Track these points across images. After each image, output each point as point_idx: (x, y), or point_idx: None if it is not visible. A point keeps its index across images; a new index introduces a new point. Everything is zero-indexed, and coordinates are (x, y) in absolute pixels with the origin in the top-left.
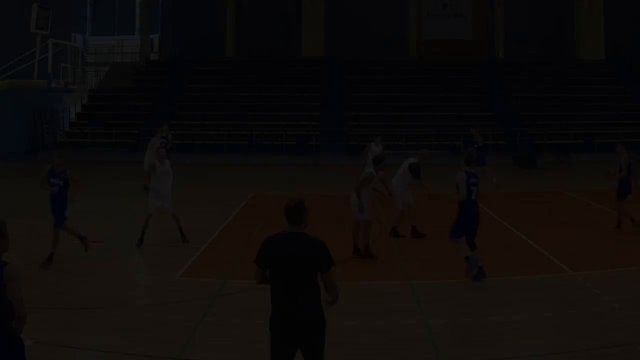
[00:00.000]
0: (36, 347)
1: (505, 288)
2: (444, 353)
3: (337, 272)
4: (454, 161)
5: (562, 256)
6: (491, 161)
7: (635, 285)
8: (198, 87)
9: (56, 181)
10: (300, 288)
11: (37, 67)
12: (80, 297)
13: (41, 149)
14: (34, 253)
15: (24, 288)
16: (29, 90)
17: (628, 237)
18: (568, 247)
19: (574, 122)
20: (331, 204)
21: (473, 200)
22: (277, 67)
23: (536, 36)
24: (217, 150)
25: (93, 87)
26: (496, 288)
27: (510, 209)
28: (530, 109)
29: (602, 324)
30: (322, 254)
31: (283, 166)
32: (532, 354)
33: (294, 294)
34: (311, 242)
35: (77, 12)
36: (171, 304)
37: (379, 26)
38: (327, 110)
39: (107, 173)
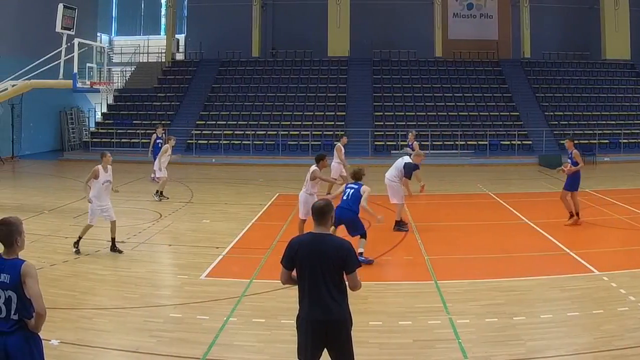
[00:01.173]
0: (62, 346)
1: (531, 288)
2: (470, 353)
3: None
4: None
5: (588, 256)
6: (517, 161)
7: None
8: (223, 87)
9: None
10: (326, 288)
11: (63, 67)
12: (105, 297)
13: (67, 149)
14: (59, 252)
15: (48, 288)
16: (55, 90)
17: None
18: (594, 247)
19: (600, 122)
20: None
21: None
22: (303, 67)
23: (561, 36)
24: (243, 150)
25: (119, 87)
26: (521, 288)
27: (536, 209)
28: (556, 109)
29: (627, 324)
30: (348, 255)
31: (308, 166)
32: (557, 354)
33: (320, 294)
34: (337, 243)
35: (103, 12)
36: (197, 304)
37: (405, 26)
38: (352, 110)
39: (132, 173)
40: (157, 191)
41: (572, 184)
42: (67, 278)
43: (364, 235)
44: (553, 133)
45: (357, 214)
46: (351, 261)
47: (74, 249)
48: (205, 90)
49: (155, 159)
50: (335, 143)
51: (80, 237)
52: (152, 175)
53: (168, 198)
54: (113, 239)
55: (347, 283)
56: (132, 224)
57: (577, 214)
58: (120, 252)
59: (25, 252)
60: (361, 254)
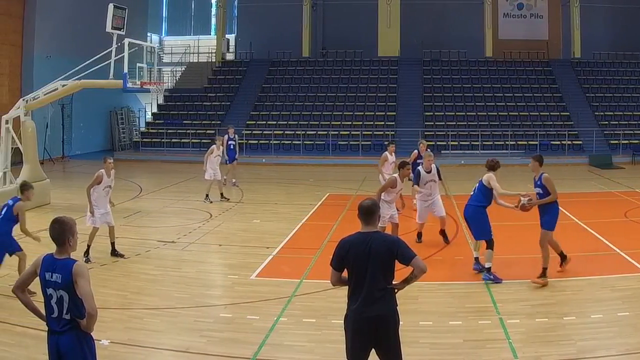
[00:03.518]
0: (113, 346)
1: (581, 288)
2: (520, 353)
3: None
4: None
5: (639, 256)
6: (567, 161)
7: None
8: (274, 87)
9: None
10: (375, 286)
11: (113, 67)
12: (155, 297)
13: (117, 149)
14: (108, 252)
15: (99, 288)
16: (105, 90)
17: None
18: None
19: None
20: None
21: None
22: (353, 67)
23: (612, 36)
24: (293, 150)
25: (169, 87)
26: (571, 288)
27: (586, 209)
28: (606, 109)
29: None
30: (399, 248)
31: (358, 166)
32: (608, 354)
33: (369, 292)
34: (387, 239)
35: (153, 12)
36: (247, 304)
37: (455, 26)
38: (402, 110)
39: (182, 173)
40: (219, 194)
41: (550, 221)
42: (117, 278)
43: (490, 244)
44: (603, 133)
45: (483, 208)
46: (404, 252)
47: (84, 258)
48: (255, 90)
49: (228, 161)
50: (386, 145)
51: (89, 245)
52: (225, 178)
53: (211, 202)
54: (112, 244)
55: (414, 272)
56: (183, 224)
57: (563, 255)
58: (121, 255)
59: (76, 252)
60: (488, 269)
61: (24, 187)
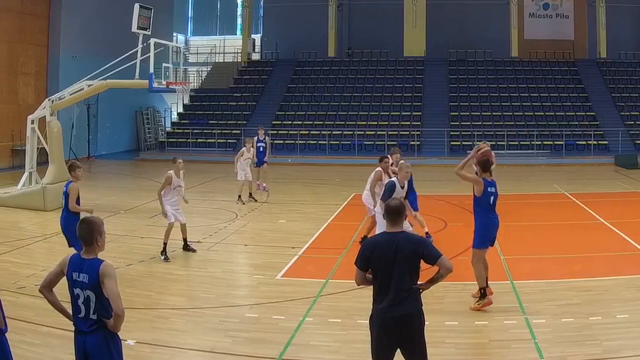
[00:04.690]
0: (138, 346)
1: (607, 288)
2: (546, 353)
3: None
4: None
5: None
6: (593, 161)
7: None
8: (299, 87)
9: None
10: (401, 286)
11: (139, 67)
12: (181, 297)
13: (143, 149)
14: (135, 253)
15: (125, 288)
16: (131, 90)
17: None
18: None
19: None
20: (432, 204)
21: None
22: (379, 67)
23: (638, 35)
24: (319, 150)
25: (194, 87)
26: (597, 288)
27: (612, 209)
28: (632, 109)
29: None
30: (424, 247)
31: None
32: (634, 354)
33: (395, 292)
34: (412, 239)
35: (179, 12)
36: (273, 304)
37: (481, 26)
38: (428, 110)
39: (208, 173)
40: (249, 194)
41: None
42: (143, 278)
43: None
44: (629, 133)
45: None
46: (430, 252)
47: (162, 257)
48: (281, 90)
49: (258, 164)
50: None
51: (165, 244)
52: (258, 183)
53: (244, 203)
54: (185, 239)
55: (440, 271)
56: (208, 224)
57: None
58: (194, 250)
59: (102, 252)
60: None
61: (71, 167)
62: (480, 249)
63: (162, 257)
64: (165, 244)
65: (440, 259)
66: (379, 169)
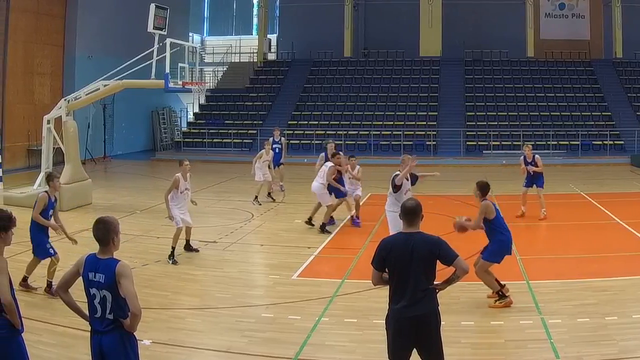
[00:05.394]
0: (154, 346)
1: (623, 288)
2: (562, 353)
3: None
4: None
5: None
6: (609, 161)
7: None
8: (315, 87)
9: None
10: (417, 286)
11: (155, 67)
12: (197, 297)
13: (159, 149)
14: (151, 252)
15: (140, 288)
16: (147, 90)
17: None
18: None
19: None
20: (448, 204)
21: None
22: (395, 67)
23: None
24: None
25: (210, 87)
26: (613, 288)
27: (628, 209)
28: None
29: None
30: (441, 248)
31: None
32: None
33: (412, 292)
34: (429, 239)
35: (195, 12)
36: (289, 304)
37: (497, 26)
38: (444, 110)
39: (223, 173)
40: (267, 193)
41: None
42: (159, 278)
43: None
44: None
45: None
46: (446, 253)
47: (170, 261)
48: (297, 90)
49: (275, 166)
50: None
51: (173, 248)
52: (281, 184)
53: (260, 204)
54: (187, 240)
55: (456, 272)
56: (224, 224)
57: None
58: (196, 250)
59: (118, 251)
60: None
61: (49, 177)
62: (491, 262)
63: (170, 261)
64: (173, 248)
65: (456, 260)
66: (332, 164)
